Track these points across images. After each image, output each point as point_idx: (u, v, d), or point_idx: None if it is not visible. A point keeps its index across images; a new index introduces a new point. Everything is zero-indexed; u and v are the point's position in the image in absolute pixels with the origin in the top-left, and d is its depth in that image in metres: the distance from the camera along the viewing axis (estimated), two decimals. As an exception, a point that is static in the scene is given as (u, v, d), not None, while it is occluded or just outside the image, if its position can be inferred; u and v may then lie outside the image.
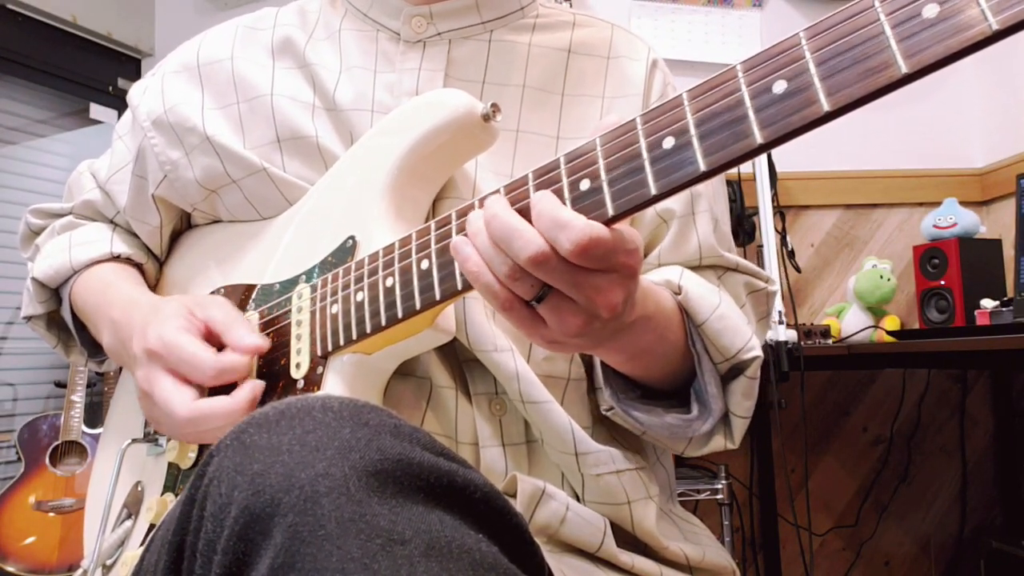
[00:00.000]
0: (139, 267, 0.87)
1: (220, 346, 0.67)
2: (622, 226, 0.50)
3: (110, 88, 2.53)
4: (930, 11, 0.38)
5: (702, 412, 0.69)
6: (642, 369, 0.68)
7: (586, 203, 0.49)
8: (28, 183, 2.48)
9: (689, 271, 0.72)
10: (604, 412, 0.71)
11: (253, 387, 0.65)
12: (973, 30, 0.36)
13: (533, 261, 0.48)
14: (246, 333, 0.66)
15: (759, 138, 0.43)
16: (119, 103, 2.50)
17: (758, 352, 0.69)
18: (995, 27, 0.36)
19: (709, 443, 0.72)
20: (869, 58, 0.39)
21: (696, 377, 0.69)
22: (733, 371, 0.70)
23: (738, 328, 0.68)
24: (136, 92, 0.86)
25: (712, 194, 0.78)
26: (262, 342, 0.66)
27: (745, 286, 0.77)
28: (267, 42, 0.82)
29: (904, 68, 0.38)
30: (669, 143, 0.46)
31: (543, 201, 0.49)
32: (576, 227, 0.47)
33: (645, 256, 0.76)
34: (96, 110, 2.51)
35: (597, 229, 0.48)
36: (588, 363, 0.76)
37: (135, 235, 0.88)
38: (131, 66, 2.61)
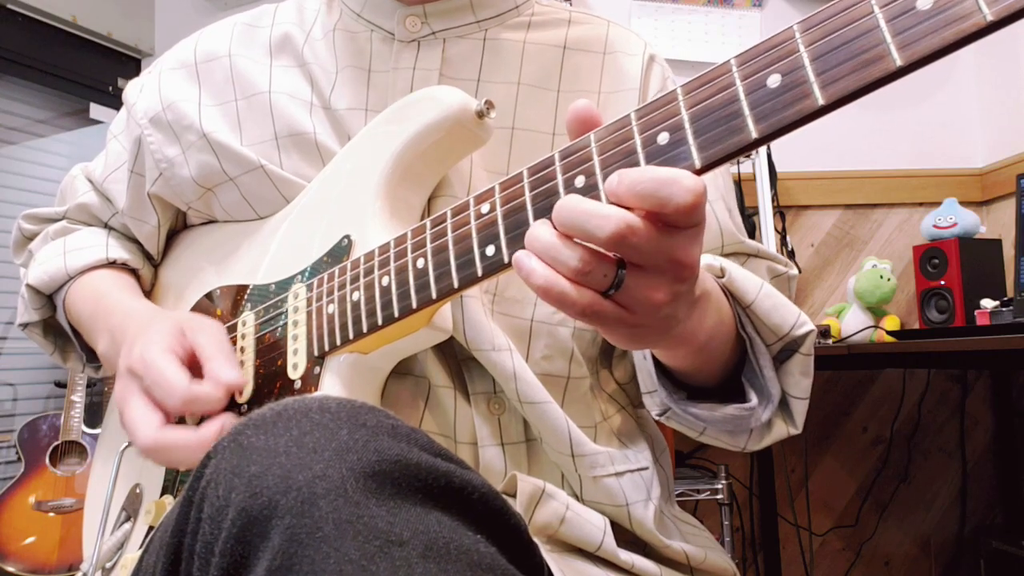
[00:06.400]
0: (134, 273, 0.87)
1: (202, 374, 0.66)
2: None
3: (110, 88, 2.53)
4: (924, 3, 0.37)
5: (761, 399, 0.66)
6: (705, 359, 0.63)
7: (581, 200, 0.49)
8: (28, 183, 2.49)
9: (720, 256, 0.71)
10: (656, 416, 0.68)
11: (223, 423, 0.63)
12: (967, 22, 0.36)
13: (616, 237, 0.44)
14: (227, 367, 0.64)
15: (754, 132, 0.42)
16: (119, 103, 2.49)
17: (811, 326, 0.66)
18: (989, 18, 0.36)
19: (771, 432, 0.69)
20: (864, 51, 0.39)
21: (745, 366, 0.66)
22: (784, 352, 0.67)
23: (787, 304, 0.66)
24: (132, 90, 0.85)
25: (723, 184, 0.78)
26: (240, 379, 0.64)
27: (768, 271, 0.76)
28: (265, 40, 0.82)
29: (898, 60, 0.38)
30: (664, 138, 0.46)
31: (632, 171, 0.45)
32: (684, 179, 0.43)
33: None
34: (96, 110, 2.51)
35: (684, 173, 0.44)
36: (596, 365, 0.75)
37: (130, 240, 0.88)
38: (131, 66, 2.61)
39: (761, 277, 0.73)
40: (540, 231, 0.47)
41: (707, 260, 0.66)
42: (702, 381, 0.67)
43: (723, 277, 0.64)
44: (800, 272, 2.18)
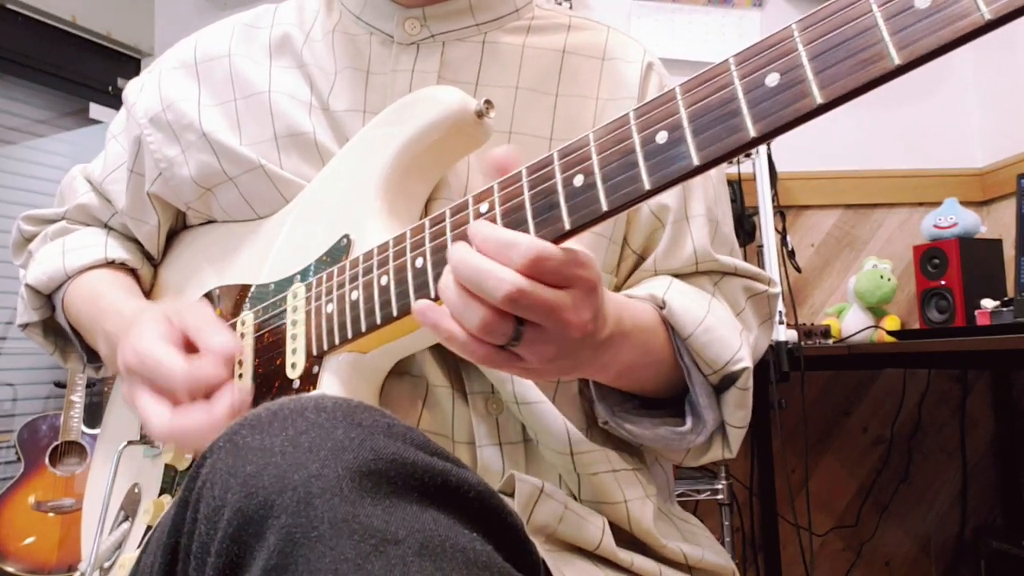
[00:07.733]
0: (133, 272, 0.87)
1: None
2: (572, 242, 0.50)
3: (110, 88, 2.53)
4: (922, 1, 0.37)
5: (696, 424, 0.68)
6: (632, 384, 0.68)
7: (580, 199, 0.49)
8: (27, 183, 2.49)
9: (679, 282, 0.72)
10: (601, 425, 0.71)
11: (231, 397, 0.62)
12: (965, 20, 0.36)
13: (509, 299, 0.47)
14: (217, 335, 0.64)
15: (752, 131, 0.42)
16: (119, 103, 2.49)
17: (746, 363, 0.68)
18: (987, 17, 0.36)
19: (707, 453, 0.72)
20: (862, 50, 0.39)
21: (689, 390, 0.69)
22: (725, 381, 0.69)
23: (725, 340, 0.68)
24: (132, 90, 0.85)
25: (713, 196, 0.78)
26: (233, 343, 0.64)
27: (744, 290, 0.77)
28: (265, 40, 0.82)
29: (897, 59, 0.38)
30: (663, 137, 0.46)
31: (482, 228, 0.50)
32: (523, 243, 0.48)
33: (642, 261, 0.75)
34: (96, 110, 2.51)
35: (544, 244, 0.48)
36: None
37: (130, 240, 0.88)
38: (131, 66, 2.61)
39: (736, 298, 0.76)
40: (447, 284, 0.50)
41: (653, 288, 0.69)
42: (648, 395, 0.70)
43: (664, 308, 0.67)
44: (800, 272, 2.18)
